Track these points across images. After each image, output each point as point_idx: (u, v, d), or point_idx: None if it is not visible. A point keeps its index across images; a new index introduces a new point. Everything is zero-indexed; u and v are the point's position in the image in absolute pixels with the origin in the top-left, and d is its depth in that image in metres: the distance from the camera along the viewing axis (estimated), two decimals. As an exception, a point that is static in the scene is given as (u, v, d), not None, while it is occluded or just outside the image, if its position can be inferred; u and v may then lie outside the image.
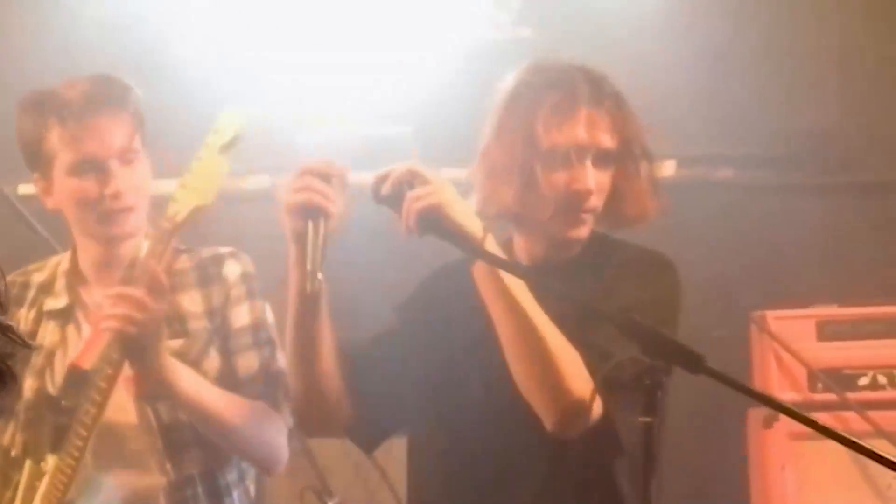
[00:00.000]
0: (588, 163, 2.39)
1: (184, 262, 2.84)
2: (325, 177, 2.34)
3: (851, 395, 3.84)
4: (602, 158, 2.41)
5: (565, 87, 2.42)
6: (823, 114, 4.44)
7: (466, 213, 2.23)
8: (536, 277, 2.22)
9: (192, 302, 2.79)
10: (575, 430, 2.22)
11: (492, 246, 2.24)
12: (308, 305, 2.35)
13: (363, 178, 4.23)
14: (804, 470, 3.81)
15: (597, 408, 2.20)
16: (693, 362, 1.92)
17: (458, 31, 4.43)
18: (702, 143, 4.42)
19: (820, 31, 4.42)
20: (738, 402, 3.92)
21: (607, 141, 2.41)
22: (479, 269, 2.26)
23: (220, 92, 4.31)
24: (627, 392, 2.16)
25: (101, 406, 2.60)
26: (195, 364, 2.73)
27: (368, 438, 2.54)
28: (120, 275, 2.75)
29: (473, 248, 2.22)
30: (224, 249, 2.89)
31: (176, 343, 2.74)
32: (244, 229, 4.27)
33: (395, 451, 3.28)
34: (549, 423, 2.22)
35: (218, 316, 2.79)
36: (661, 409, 1.95)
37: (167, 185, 4.27)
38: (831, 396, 3.83)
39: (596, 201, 2.41)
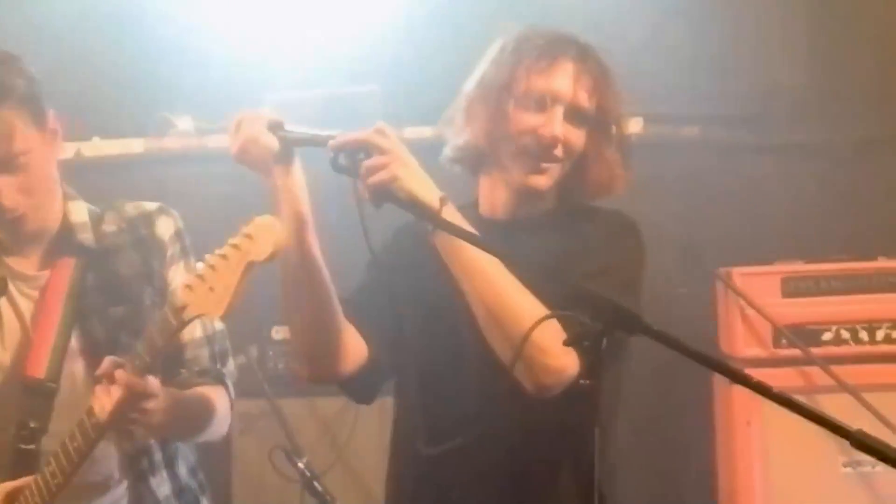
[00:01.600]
0: (559, 112, 2.40)
1: (111, 221, 2.75)
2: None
3: (815, 350, 3.87)
4: (576, 116, 2.42)
5: (554, 42, 2.46)
6: (790, 73, 4.45)
7: (422, 183, 2.21)
8: (492, 243, 2.21)
9: (129, 266, 2.72)
10: (554, 390, 2.23)
11: (450, 214, 2.23)
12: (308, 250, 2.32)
13: (331, 136, 4.26)
14: (768, 425, 3.85)
15: (571, 365, 2.21)
16: (632, 323, 1.95)
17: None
18: (668, 101, 4.43)
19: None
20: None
21: (585, 100, 2.42)
22: (440, 239, 2.26)
23: (186, 53, 4.29)
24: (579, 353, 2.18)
25: (77, 463, 2.53)
26: (139, 334, 2.62)
27: (365, 389, 2.53)
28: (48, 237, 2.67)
29: (431, 217, 2.21)
30: (150, 205, 2.80)
31: (118, 310, 2.68)
32: (211, 188, 4.26)
33: (362, 410, 3.28)
34: (529, 386, 2.23)
35: (157, 278, 2.73)
36: (600, 369, 1.96)
37: (119, 146, 4.30)
38: (795, 352, 3.86)
39: (561, 153, 2.42)
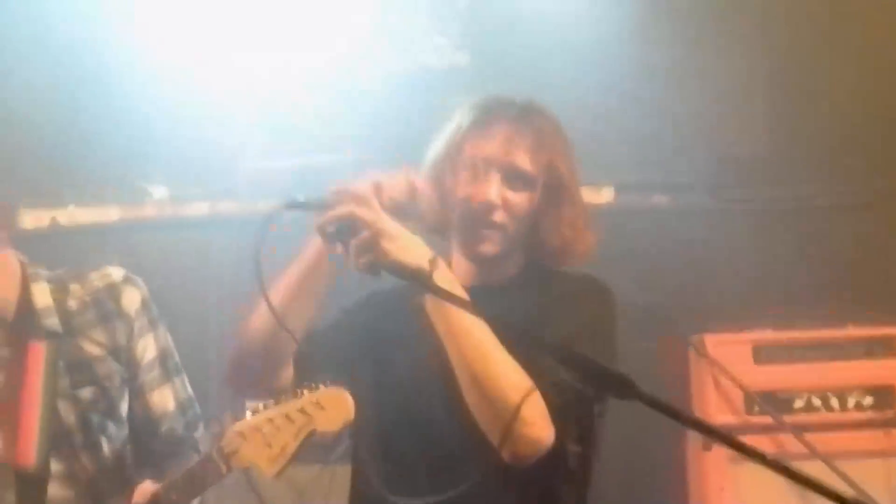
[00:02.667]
0: (495, 177, 2.41)
1: (76, 296, 2.72)
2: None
3: (787, 418, 3.89)
4: (517, 178, 2.42)
5: (490, 107, 2.47)
6: (754, 140, 4.51)
7: (409, 251, 2.22)
8: (480, 307, 2.21)
9: (96, 345, 2.70)
10: (530, 460, 2.23)
11: (441, 277, 2.24)
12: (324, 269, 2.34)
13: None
14: (742, 492, 3.85)
15: (548, 434, 2.22)
16: (625, 389, 1.92)
17: (398, 59, 4.46)
18: (639, 169, 4.48)
19: (749, 62, 4.50)
20: (676, 426, 3.96)
21: (525, 162, 2.42)
22: (429, 302, 2.26)
23: (161, 121, 4.32)
24: (562, 419, 2.18)
25: None
26: (111, 412, 2.65)
27: None
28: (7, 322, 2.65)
29: (422, 283, 2.22)
30: (116, 275, 2.76)
31: (87, 392, 2.66)
32: (184, 255, 4.27)
33: (338, 478, 3.27)
34: (506, 454, 2.23)
35: (124, 353, 2.71)
36: (592, 435, 1.95)
37: (95, 213, 4.30)
38: (767, 419, 3.88)
39: (502, 218, 2.42)
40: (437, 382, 2.31)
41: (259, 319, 2.40)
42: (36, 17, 4.34)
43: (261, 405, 2.32)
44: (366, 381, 2.45)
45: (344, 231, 2.23)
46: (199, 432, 2.82)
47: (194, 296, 4.14)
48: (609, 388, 1.94)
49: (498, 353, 2.23)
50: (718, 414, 3.90)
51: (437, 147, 2.49)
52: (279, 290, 2.36)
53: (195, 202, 4.37)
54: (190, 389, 2.80)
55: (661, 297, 4.26)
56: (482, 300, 2.36)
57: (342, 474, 2.60)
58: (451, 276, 2.27)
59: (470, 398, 2.25)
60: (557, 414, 2.17)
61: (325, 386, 2.27)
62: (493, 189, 2.41)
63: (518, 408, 2.18)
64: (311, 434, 2.27)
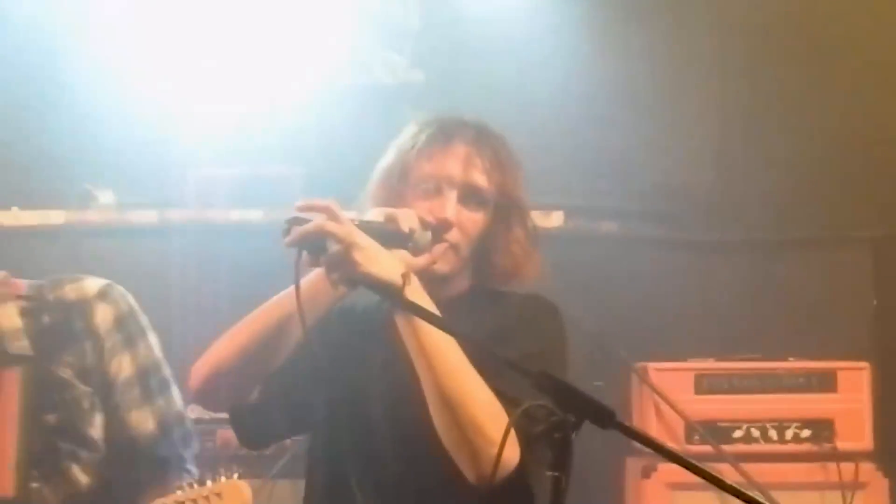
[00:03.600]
0: (452, 195, 2.41)
1: (48, 310, 2.63)
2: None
3: (727, 448, 3.92)
4: (473, 197, 2.42)
5: (448, 126, 2.47)
6: (701, 171, 4.56)
7: (382, 264, 2.21)
8: (449, 324, 2.20)
9: (64, 367, 2.61)
10: (496, 482, 2.19)
11: (413, 292, 2.23)
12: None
13: (253, 214, 4.26)
14: (680, 520, 3.88)
15: (513, 456, 2.21)
16: (604, 417, 1.92)
17: (350, 73, 4.46)
18: (587, 195, 4.50)
19: (699, 92, 4.55)
20: (616, 452, 3.98)
21: (481, 180, 2.42)
22: (399, 317, 2.25)
23: (111, 126, 4.28)
24: (540, 444, 2.17)
25: None
26: (80, 437, 2.57)
27: (257, 434, 2.49)
28: None
29: (393, 297, 2.21)
30: (91, 288, 2.67)
31: (52, 417, 2.59)
32: (132, 262, 4.23)
33: (276, 491, 3.24)
34: (470, 475, 2.21)
35: (95, 375, 2.63)
36: (569, 463, 1.94)
37: (39, 216, 4.25)
38: (707, 448, 3.90)
39: (458, 236, 2.41)
40: (405, 402, 2.30)
41: (238, 336, 2.37)
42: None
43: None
44: (331, 402, 2.42)
45: (315, 246, 2.21)
46: (192, 451, 2.75)
47: (141, 302, 4.10)
48: (589, 416, 1.93)
49: (467, 371, 2.22)
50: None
51: (388, 162, 2.48)
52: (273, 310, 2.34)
53: (143, 209, 4.33)
54: (180, 405, 2.71)
55: (606, 323, 4.27)
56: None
57: (282, 489, 2.58)
58: (423, 292, 2.26)
59: (437, 417, 2.23)
60: (535, 438, 2.14)
61: (227, 478, 2.37)
62: (451, 206, 2.41)
63: (485, 427, 2.17)
64: None
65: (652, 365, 4.01)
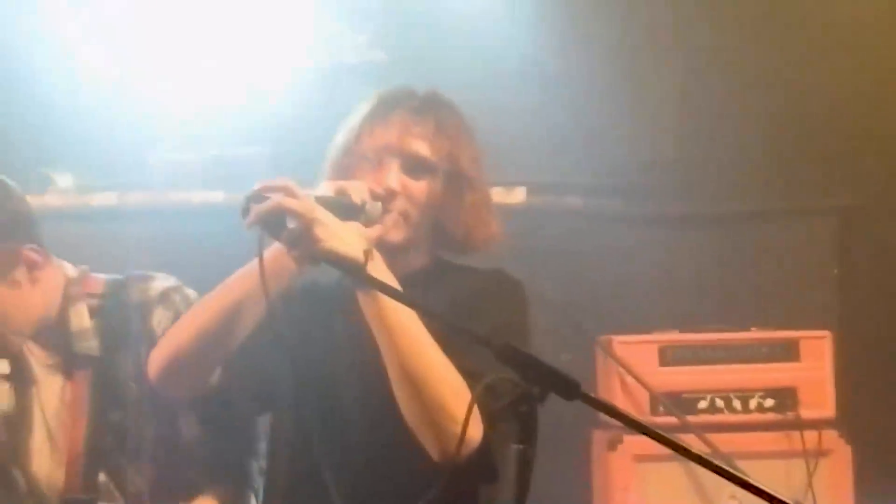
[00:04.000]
0: (394, 165, 2.40)
1: (114, 312, 2.66)
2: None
3: (691, 419, 3.95)
4: (416, 166, 2.42)
5: (391, 97, 2.48)
6: (664, 145, 4.58)
7: (343, 239, 2.19)
8: (413, 299, 2.20)
9: (123, 367, 2.62)
10: (459, 459, 2.19)
11: (376, 268, 2.23)
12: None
13: (215, 197, 4.24)
14: (646, 491, 3.90)
15: (477, 433, 2.21)
16: (570, 389, 1.93)
17: (313, 54, 4.44)
18: (551, 171, 4.51)
19: (660, 66, 4.56)
20: (582, 424, 4.00)
21: (423, 149, 2.42)
22: (362, 294, 2.24)
23: (68, 108, 4.25)
24: (503, 418, 2.17)
25: None
26: (139, 437, 2.59)
27: (219, 418, 2.49)
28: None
29: (356, 273, 2.20)
30: (155, 289, 2.69)
31: (115, 416, 2.60)
32: (91, 246, 4.20)
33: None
34: (433, 452, 2.22)
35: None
36: (535, 436, 1.95)
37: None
38: (672, 419, 3.93)
39: (404, 205, 2.41)
40: (368, 381, 2.29)
41: (195, 320, 2.36)
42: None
43: None
44: (297, 381, 2.40)
45: (274, 224, 2.20)
46: (255, 456, 2.72)
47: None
48: (554, 388, 1.93)
49: (430, 348, 2.22)
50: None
51: (337, 139, 2.49)
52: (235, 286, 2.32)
53: (103, 192, 4.30)
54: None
55: (571, 297, 4.29)
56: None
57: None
58: (385, 268, 2.26)
59: (400, 393, 2.23)
60: (501, 412, 2.14)
61: None
62: (393, 176, 2.40)
63: (448, 405, 2.18)
64: None
65: (616, 338, 4.03)
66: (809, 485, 3.87)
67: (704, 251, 4.54)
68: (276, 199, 2.19)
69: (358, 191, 2.33)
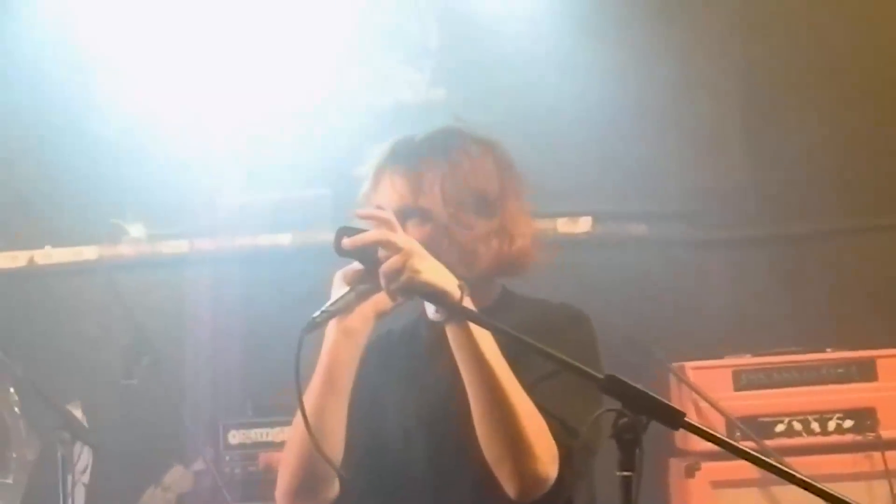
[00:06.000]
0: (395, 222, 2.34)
1: None
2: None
3: (769, 443, 3.90)
4: (414, 216, 2.38)
5: (386, 158, 2.47)
6: (727, 169, 4.55)
7: (440, 273, 2.21)
8: (510, 332, 2.18)
9: None
10: (535, 497, 2.21)
11: (468, 303, 2.23)
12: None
13: (282, 239, 4.29)
14: (725, 520, 3.87)
15: (554, 470, 2.22)
16: (675, 418, 1.96)
17: (373, 93, 4.48)
18: (616, 200, 4.51)
19: (725, 92, 4.55)
20: (660, 452, 3.97)
21: (413, 202, 2.37)
22: (451, 328, 2.24)
23: (136, 158, 4.33)
24: (580, 457, 2.20)
25: None
26: None
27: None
28: None
29: (451, 307, 2.21)
30: None
31: None
32: (163, 293, 4.26)
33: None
34: (512, 490, 2.22)
35: None
36: (640, 464, 1.96)
37: (72, 253, 4.29)
38: (750, 444, 3.89)
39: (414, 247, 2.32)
40: (445, 418, 2.31)
41: (291, 449, 2.35)
42: (3, 53, 4.34)
43: None
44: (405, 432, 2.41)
45: (366, 256, 2.22)
46: None
47: (173, 334, 4.12)
48: (659, 417, 1.96)
49: (515, 385, 2.22)
50: (700, 441, 3.89)
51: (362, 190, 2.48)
52: (310, 398, 2.31)
53: (173, 240, 4.37)
54: None
55: (640, 326, 4.27)
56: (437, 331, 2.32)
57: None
58: (472, 304, 2.26)
59: (484, 428, 2.23)
60: (604, 441, 2.11)
61: None
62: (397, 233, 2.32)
63: (532, 442, 2.19)
64: None
65: (689, 364, 4.01)
66: (894, 506, 3.81)
67: (773, 273, 4.51)
68: (376, 230, 2.21)
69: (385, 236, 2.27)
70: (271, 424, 3.75)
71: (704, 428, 1.97)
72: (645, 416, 1.96)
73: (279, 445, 3.50)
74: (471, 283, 2.39)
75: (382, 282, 2.21)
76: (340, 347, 2.31)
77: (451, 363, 2.28)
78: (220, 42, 4.38)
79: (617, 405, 2.00)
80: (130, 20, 4.36)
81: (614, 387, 2.00)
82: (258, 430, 3.68)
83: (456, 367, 2.26)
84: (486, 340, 2.22)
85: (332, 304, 2.25)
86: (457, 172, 2.43)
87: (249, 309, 4.16)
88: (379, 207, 2.39)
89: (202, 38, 4.37)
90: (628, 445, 1.97)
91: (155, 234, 4.40)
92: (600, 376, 2.02)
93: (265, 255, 4.26)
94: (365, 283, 2.27)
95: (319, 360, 2.33)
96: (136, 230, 4.42)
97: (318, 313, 2.23)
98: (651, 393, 1.97)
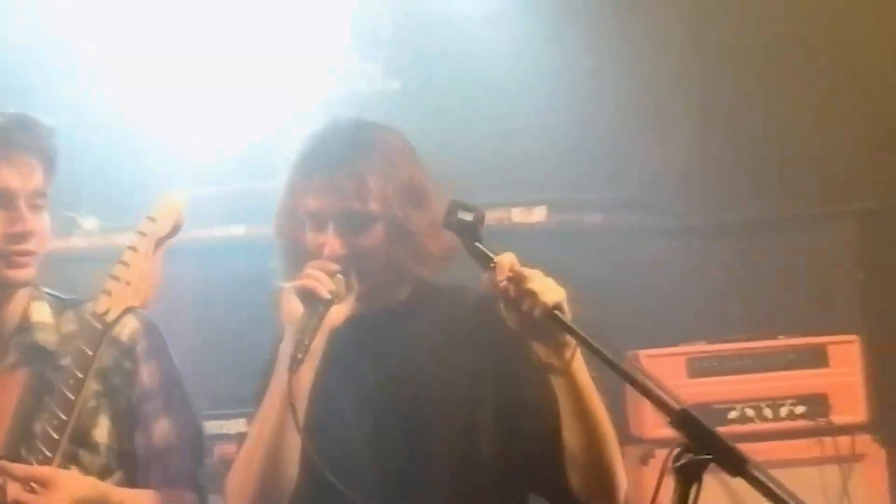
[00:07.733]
0: (331, 227, 2.36)
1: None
2: (330, 273, 2.33)
3: (722, 429, 3.92)
4: (352, 222, 2.37)
5: (311, 154, 2.47)
6: (681, 157, 4.58)
7: (549, 285, 2.29)
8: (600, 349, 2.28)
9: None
10: None
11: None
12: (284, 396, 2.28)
13: (234, 231, 4.27)
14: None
15: (625, 481, 2.38)
16: (738, 464, 1.95)
17: (327, 85, 4.47)
18: (570, 189, 4.52)
19: (678, 81, 4.57)
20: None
21: (354, 204, 2.36)
22: (577, 362, 2.37)
23: (89, 150, 4.29)
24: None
25: None
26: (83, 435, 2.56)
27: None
28: (5, 336, 2.61)
29: (560, 320, 2.27)
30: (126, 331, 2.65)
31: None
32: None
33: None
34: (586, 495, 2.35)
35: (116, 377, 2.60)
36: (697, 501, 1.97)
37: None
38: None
39: (356, 261, 2.36)
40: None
41: (252, 462, 2.35)
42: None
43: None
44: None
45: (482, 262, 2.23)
46: (204, 468, 2.73)
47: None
48: (721, 460, 1.95)
49: (603, 412, 2.36)
50: (655, 428, 3.94)
51: (278, 200, 2.48)
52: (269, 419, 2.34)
53: (127, 232, 4.33)
54: (198, 420, 2.70)
55: (595, 314, 4.29)
56: (366, 329, 2.36)
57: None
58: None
59: (584, 456, 2.33)
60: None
61: None
62: (332, 244, 2.36)
63: (616, 472, 2.33)
64: (158, 244, 2.45)
65: (643, 352, 4.03)
66: (845, 490, 3.85)
67: (727, 261, 4.54)
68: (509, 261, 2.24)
69: (321, 285, 2.31)
70: (226, 416, 3.73)
71: (767, 481, 1.95)
72: (711, 455, 1.94)
73: (234, 437, 3.49)
74: (385, 280, 2.39)
75: (509, 320, 2.24)
76: (304, 368, 2.29)
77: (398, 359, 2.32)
78: (169, 33, 4.36)
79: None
80: (86, 12, 4.33)
81: (686, 421, 1.98)
82: (213, 423, 3.66)
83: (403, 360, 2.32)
84: (582, 372, 2.35)
85: (305, 337, 2.26)
86: (391, 167, 2.40)
87: (203, 301, 4.15)
88: (312, 213, 2.36)
89: (151, 29, 4.35)
90: (689, 481, 1.95)
91: (108, 227, 4.37)
92: (677, 408, 2.02)
93: (219, 247, 4.25)
94: (318, 304, 2.28)
95: (277, 381, 2.31)
96: (89, 223, 4.39)
97: (300, 354, 2.24)
98: (719, 434, 1.96)
